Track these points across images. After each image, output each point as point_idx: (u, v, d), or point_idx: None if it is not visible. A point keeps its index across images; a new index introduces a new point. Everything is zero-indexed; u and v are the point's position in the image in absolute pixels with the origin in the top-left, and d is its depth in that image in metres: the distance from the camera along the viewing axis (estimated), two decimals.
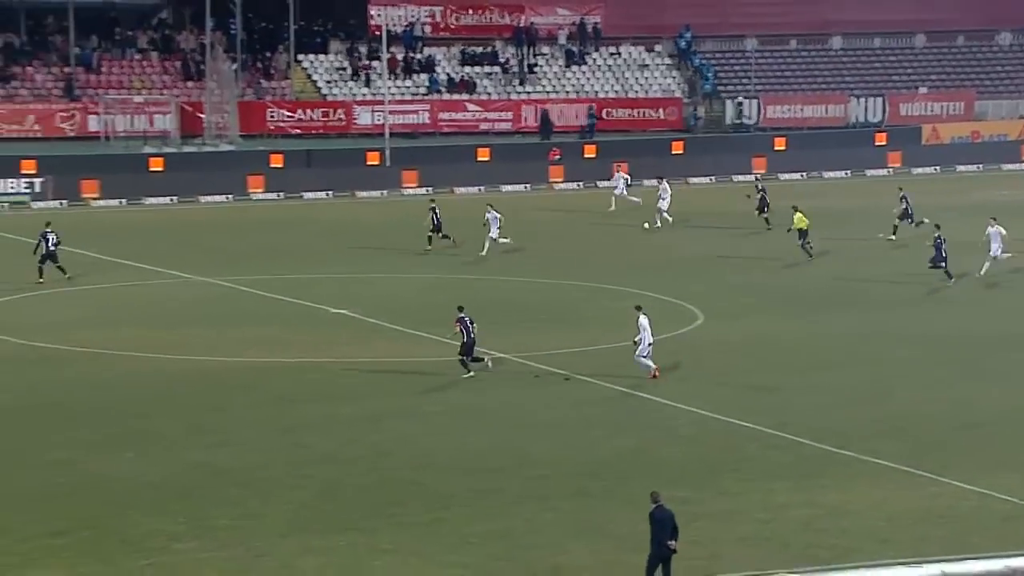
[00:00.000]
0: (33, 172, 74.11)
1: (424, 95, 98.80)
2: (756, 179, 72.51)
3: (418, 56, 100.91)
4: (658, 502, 24.32)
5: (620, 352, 40.87)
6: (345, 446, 33.30)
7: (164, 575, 25.62)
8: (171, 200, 75.08)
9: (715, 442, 33.75)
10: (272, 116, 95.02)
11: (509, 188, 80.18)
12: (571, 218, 69.57)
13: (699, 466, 31.84)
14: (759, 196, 64.00)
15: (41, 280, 51.18)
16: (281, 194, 76.52)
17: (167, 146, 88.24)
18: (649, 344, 38.40)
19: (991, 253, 52.21)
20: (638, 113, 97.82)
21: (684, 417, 35.70)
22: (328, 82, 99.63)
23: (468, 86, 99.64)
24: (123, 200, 74.26)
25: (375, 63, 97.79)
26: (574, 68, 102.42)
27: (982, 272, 52.10)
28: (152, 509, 28.86)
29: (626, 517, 27.50)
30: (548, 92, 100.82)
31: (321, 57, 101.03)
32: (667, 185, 65.77)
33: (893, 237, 60.10)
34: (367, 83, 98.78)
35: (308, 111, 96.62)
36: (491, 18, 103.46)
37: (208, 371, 40.04)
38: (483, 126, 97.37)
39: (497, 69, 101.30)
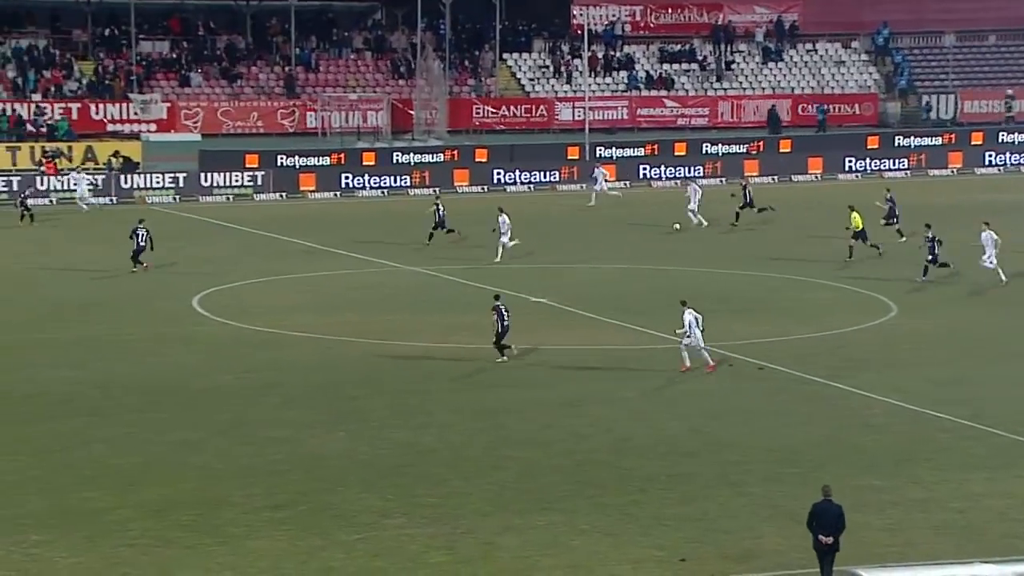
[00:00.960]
0: (255, 166, 75.70)
1: (623, 92, 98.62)
2: (743, 178, 68.69)
3: (618, 54, 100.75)
4: (828, 496, 23.94)
5: (812, 342, 40.21)
6: (543, 429, 33.35)
7: (375, 549, 25.92)
8: (381, 193, 76.03)
9: (908, 432, 33.05)
10: (478, 112, 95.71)
11: (704, 182, 79.66)
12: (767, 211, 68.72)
13: (892, 455, 31.20)
14: (743, 194, 61.94)
15: (134, 270, 51.33)
16: (485, 187, 76.93)
17: (379, 141, 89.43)
18: (689, 341, 37.37)
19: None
20: (834, 109, 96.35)
21: (877, 407, 35.02)
22: (531, 79, 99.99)
23: (666, 83, 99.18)
24: (337, 192, 75.39)
25: (576, 61, 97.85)
26: (770, 65, 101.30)
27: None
28: (363, 486, 29.24)
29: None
30: (744, 89, 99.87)
31: (525, 56, 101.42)
32: (696, 186, 63.84)
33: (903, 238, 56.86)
34: (568, 80, 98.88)
35: (512, 107, 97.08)
36: (689, 17, 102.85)
37: (414, 355, 40.45)
38: (680, 122, 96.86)
39: (695, 66, 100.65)
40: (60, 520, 27.04)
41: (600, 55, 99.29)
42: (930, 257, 49.55)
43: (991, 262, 49.11)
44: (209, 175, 73.82)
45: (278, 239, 52.51)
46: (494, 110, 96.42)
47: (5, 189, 69.77)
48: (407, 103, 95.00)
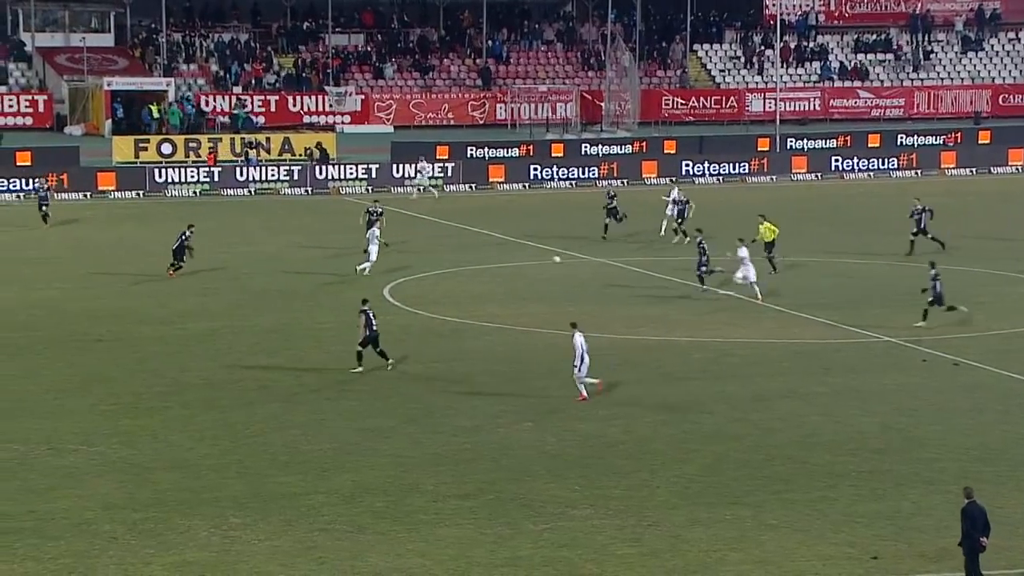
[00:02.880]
0: (446, 157, 76.43)
1: (815, 82, 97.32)
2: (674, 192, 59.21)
3: (811, 44, 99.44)
4: (971, 498, 23.37)
5: (1011, 338, 39.22)
6: (730, 423, 33.10)
7: (562, 540, 26.01)
8: (570, 185, 76.16)
9: None
10: (667, 104, 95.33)
11: (899, 174, 78.31)
12: (965, 204, 67.26)
13: None
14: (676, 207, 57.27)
15: (171, 273, 49.60)
16: (673, 179, 76.57)
17: (568, 133, 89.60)
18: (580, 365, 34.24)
19: None
20: None
21: None
22: (721, 71, 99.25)
23: (860, 73, 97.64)
24: (525, 184, 75.73)
25: (768, 52, 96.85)
26: (970, 54, 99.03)
27: None
28: (550, 476, 29.36)
29: (1017, 503, 26.43)
30: (943, 79, 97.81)
31: (715, 47, 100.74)
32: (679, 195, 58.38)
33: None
34: (759, 71, 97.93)
35: (701, 99, 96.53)
36: (886, 6, 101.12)
37: (600, 347, 40.41)
38: (874, 112, 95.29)
39: (890, 56, 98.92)
40: (257, 503, 27.64)
41: (792, 45, 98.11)
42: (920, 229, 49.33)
43: None
44: (401, 166, 74.74)
45: (467, 230, 52.94)
46: (683, 101, 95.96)
47: (207, 180, 71.48)
48: (596, 95, 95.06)
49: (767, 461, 30.25)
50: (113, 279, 49.43)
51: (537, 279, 50.88)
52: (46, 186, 63.76)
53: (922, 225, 53.97)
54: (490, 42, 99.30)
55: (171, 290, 47.71)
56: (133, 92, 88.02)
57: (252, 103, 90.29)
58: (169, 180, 71.74)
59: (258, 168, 74.25)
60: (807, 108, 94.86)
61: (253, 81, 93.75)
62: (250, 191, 72.26)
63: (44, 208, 61.04)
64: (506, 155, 78.69)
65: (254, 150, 77.45)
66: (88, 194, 69.71)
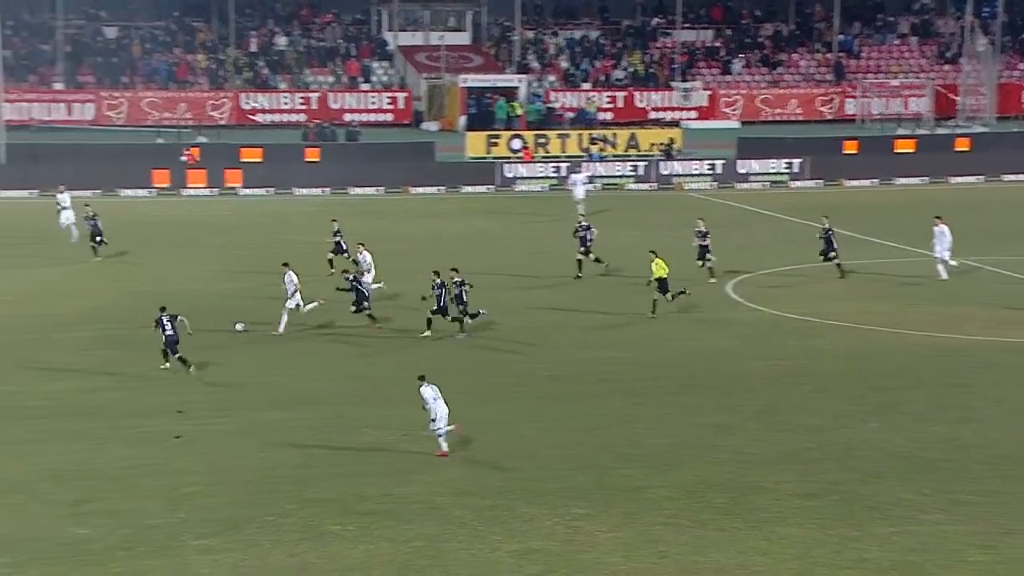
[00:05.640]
0: (792, 153, 75.44)
1: None
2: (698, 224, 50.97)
3: None
4: None
5: None
6: None
7: (911, 544, 25.36)
8: (921, 180, 74.12)
9: None
10: None
11: None
12: None
13: None
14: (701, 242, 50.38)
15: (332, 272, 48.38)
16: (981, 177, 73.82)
17: (920, 128, 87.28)
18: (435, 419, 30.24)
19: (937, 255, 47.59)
20: None
21: None
22: None
23: None
24: (876, 180, 74.05)
25: None
26: None
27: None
28: (898, 479, 28.66)
29: None
30: None
31: None
32: None
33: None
34: None
35: None
36: None
37: (955, 348, 39.26)
38: None
39: None
40: (601, 495, 27.89)
41: None
42: (831, 248, 47.82)
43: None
44: (746, 162, 74.17)
45: (814, 227, 52.11)
46: None
47: (555, 175, 72.49)
48: (951, 88, 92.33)
49: None
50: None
51: (886, 277, 49.69)
52: (91, 212, 52.62)
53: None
54: (841, 36, 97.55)
55: (521, 283, 48.51)
56: (486, 89, 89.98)
57: (600, 99, 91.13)
58: (518, 175, 73.05)
59: (603, 164, 74.86)
60: None
61: (602, 78, 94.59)
62: (595, 186, 72.92)
63: (99, 239, 51.51)
64: (854, 152, 77.11)
65: (596, 145, 78.14)
66: (443, 188, 71.61)
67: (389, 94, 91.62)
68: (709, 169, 74.09)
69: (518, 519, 26.59)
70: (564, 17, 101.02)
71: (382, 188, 70.88)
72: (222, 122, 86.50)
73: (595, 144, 78.52)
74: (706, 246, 48.63)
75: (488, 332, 41.63)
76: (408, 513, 26.89)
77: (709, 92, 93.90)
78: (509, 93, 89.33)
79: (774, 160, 74.15)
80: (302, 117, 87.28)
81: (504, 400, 34.68)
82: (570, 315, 43.95)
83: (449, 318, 40.53)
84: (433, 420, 30.14)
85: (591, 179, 68.85)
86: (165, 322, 36.93)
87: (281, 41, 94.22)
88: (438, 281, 40.48)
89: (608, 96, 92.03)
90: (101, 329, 40.96)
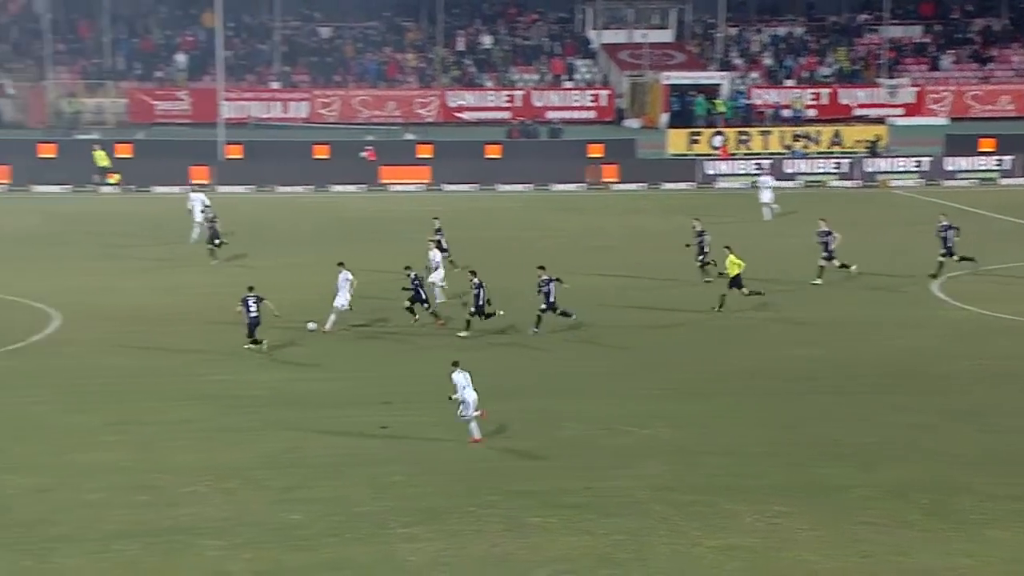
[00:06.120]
0: (993, 150, 73.47)
1: None
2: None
3: None
4: None
5: None
6: None
7: None
8: None
9: None
10: None
11: None
12: None
13: None
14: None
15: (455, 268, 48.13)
16: None
17: None
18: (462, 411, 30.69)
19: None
20: None
21: None
22: None
23: None
24: None
25: None
26: None
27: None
28: None
29: None
30: None
31: None
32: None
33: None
34: None
35: None
36: None
37: None
38: None
39: None
40: (801, 493, 27.60)
41: None
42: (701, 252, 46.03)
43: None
44: (954, 159, 72.55)
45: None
46: None
47: (757, 172, 71.83)
48: None
49: None
50: (662, 269, 50.33)
51: None
52: (212, 215, 52.15)
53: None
54: None
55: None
56: (688, 86, 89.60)
57: (804, 96, 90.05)
58: (719, 172, 72.58)
59: (806, 161, 73.95)
60: None
61: (806, 74, 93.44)
62: (798, 183, 72.05)
63: (217, 240, 50.54)
64: None
65: (799, 142, 77.21)
66: (644, 185, 71.49)
67: (592, 92, 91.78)
68: (915, 166, 72.67)
69: (718, 515, 26.47)
70: (768, 14, 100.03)
71: (583, 184, 71.06)
72: (429, 120, 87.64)
73: (798, 141, 77.64)
74: (826, 243, 47.51)
75: (685, 328, 41.48)
76: (609, 507, 26.95)
77: (916, 88, 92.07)
78: (711, 90, 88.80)
79: (983, 157, 72.34)
80: (506, 115, 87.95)
81: (704, 396, 34.52)
82: (769, 312, 43.54)
83: (482, 318, 40.07)
84: (463, 404, 30.49)
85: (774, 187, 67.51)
86: (250, 304, 37.45)
87: (487, 40, 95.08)
88: (476, 281, 40.24)
89: (812, 93, 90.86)
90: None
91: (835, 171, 72.80)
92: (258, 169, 69.34)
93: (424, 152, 72.42)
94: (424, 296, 41.28)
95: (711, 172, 72.56)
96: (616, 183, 70.98)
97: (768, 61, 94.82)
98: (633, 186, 71.23)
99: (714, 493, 27.56)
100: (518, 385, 35.45)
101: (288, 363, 37.34)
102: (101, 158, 66.94)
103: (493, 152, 72.87)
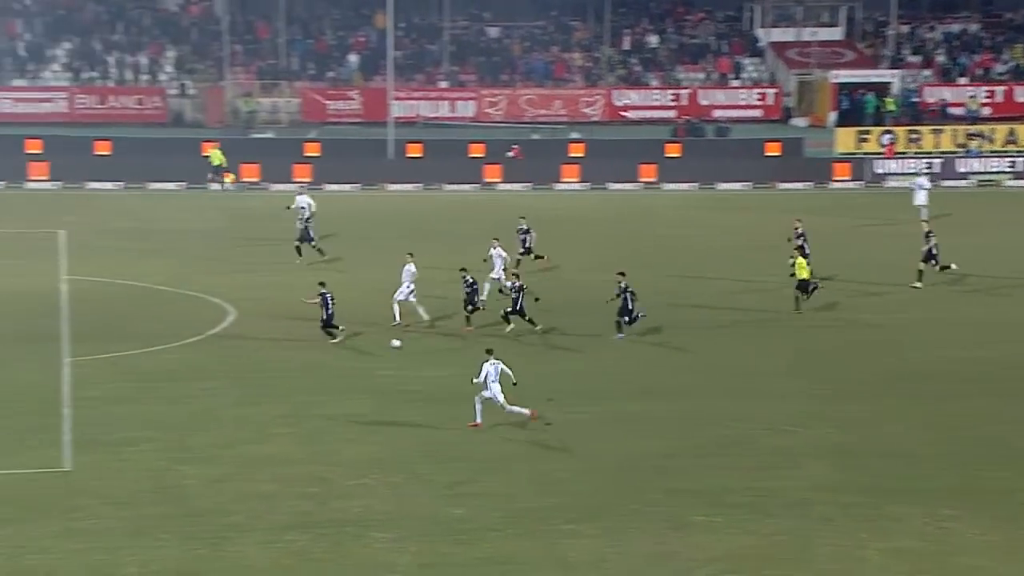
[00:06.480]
0: None
1: None
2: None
3: None
4: None
5: None
6: None
7: None
8: None
9: None
10: None
11: None
12: None
13: None
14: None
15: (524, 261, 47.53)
16: None
17: None
18: (485, 393, 31.68)
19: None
20: None
21: None
22: None
23: None
24: None
25: None
26: None
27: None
28: None
29: None
30: None
31: None
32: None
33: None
34: None
35: None
36: None
37: None
38: None
39: None
40: (970, 497, 27.11)
41: None
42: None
43: None
44: None
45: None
46: None
47: (928, 171, 70.49)
48: None
49: None
50: (827, 268, 49.66)
51: None
52: (307, 214, 50.46)
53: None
54: None
55: (894, 277, 47.44)
56: (858, 84, 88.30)
57: (978, 95, 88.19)
58: (888, 171, 71.40)
59: (980, 159, 72.42)
60: None
61: (981, 72, 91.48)
62: (971, 183, 70.55)
63: (306, 242, 49.09)
64: None
65: (974, 141, 75.66)
66: (811, 184, 70.61)
67: (759, 90, 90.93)
68: None
69: (885, 517, 26.10)
70: (942, 10, 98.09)
71: (749, 184, 70.46)
72: (595, 119, 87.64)
73: (973, 140, 76.06)
74: (803, 247, 46.30)
75: (842, 328, 40.94)
76: (772, 507, 26.74)
77: None
78: (881, 88, 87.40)
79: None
80: (671, 113, 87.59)
81: (867, 397, 34.06)
82: (933, 313, 42.80)
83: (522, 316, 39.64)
84: (486, 391, 31.46)
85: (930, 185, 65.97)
86: (329, 300, 38.63)
87: (653, 39, 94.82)
88: (517, 284, 39.94)
89: (986, 91, 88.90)
90: (477, 319, 41.96)
91: (1009, 170, 71.16)
92: (427, 167, 69.93)
93: (578, 151, 72.17)
94: (473, 299, 40.48)
95: (880, 171, 71.41)
96: (783, 182, 70.25)
97: (941, 58, 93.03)
98: (800, 185, 70.42)
99: (880, 495, 27.18)
100: (677, 384, 35.31)
101: (451, 360, 37.66)
102: (217, 157, 66.90)
103: (673, 151, 72.70)
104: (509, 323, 39.92)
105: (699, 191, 69.39)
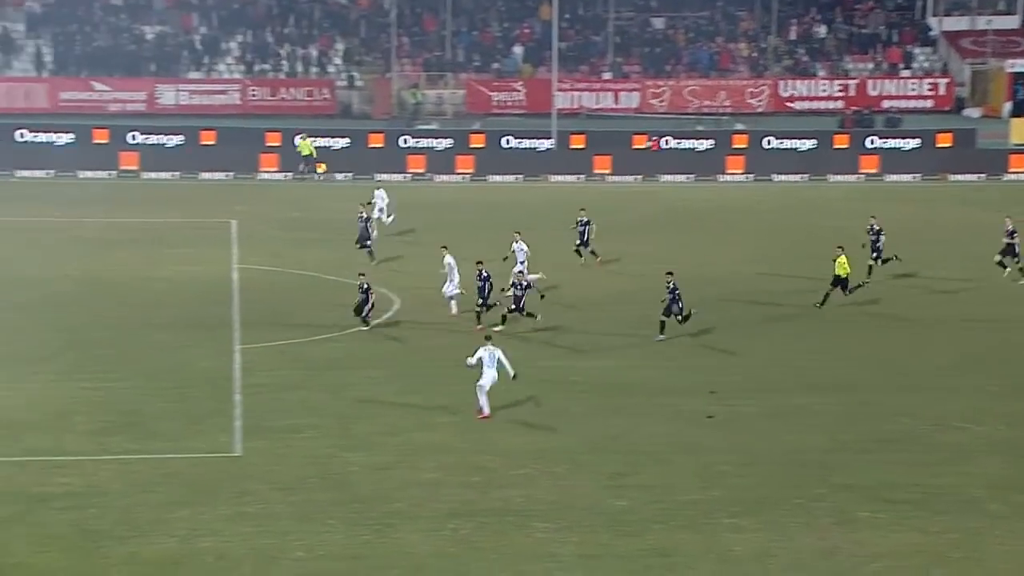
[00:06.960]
0: None
1: None
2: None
3: None
4: None
5: None
6: None
7: None
8: None
9: None
10: None
11: None
12: None
13: None
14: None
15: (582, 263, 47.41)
16: None
17: None
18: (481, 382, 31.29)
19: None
20: None
21: None
22: None
23: None
24: None
25: None
26: None
27: None
28: None
29: None
30: None
31: None
32: None
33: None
34: None
35: None
36: None
37: None
38: None
39: None
40: None
41: None
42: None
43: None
44: None
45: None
46: None
47: None
48: None
49: None
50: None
51: None
52: (366, 215, 48.82)
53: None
54: None
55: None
56: None
57: None
58: None
59: None
60: None
61: None
62: None
63: (369, 243, 47.95)
64: None
65: None
66: (984, 175, 69.05)
67: (930, 80, 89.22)
68: None
69: None
70: None
71: (919, 175, 69.12)
72: (759, 110, 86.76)
73: None
74: (1013, 245, 44.71)
75: (1007, 324, 40.08)
76: (940, 504, 26.21)
77: None
78: None
79: None
80: (839, 104, 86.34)
81: None
82: None
83: (524, 314, 38.95)
84: (481, 379, 31.12)
85: None
86: (370, 292, 38.56)
87: (821, 29, 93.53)
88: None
89: None
90: (636, 310, 41.76)
91: None
92: (590, 158, 69.83)
93: (739, 142, 71.50)
94: (485, 298, 39.57)
95: None
96: (954, 174, 68.79)
97: None
98: (972, 176, 68.88)
99: None
100: (840, 378, 34.78)
101: (613, 351, 37.55)
102: (306, 147, 66.95)
103: (840, 142, 71.72)
104: (504, 322, 39.10)
105: (865, 183, 68.28)
